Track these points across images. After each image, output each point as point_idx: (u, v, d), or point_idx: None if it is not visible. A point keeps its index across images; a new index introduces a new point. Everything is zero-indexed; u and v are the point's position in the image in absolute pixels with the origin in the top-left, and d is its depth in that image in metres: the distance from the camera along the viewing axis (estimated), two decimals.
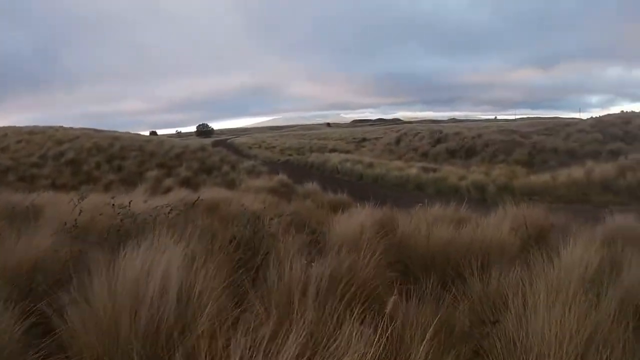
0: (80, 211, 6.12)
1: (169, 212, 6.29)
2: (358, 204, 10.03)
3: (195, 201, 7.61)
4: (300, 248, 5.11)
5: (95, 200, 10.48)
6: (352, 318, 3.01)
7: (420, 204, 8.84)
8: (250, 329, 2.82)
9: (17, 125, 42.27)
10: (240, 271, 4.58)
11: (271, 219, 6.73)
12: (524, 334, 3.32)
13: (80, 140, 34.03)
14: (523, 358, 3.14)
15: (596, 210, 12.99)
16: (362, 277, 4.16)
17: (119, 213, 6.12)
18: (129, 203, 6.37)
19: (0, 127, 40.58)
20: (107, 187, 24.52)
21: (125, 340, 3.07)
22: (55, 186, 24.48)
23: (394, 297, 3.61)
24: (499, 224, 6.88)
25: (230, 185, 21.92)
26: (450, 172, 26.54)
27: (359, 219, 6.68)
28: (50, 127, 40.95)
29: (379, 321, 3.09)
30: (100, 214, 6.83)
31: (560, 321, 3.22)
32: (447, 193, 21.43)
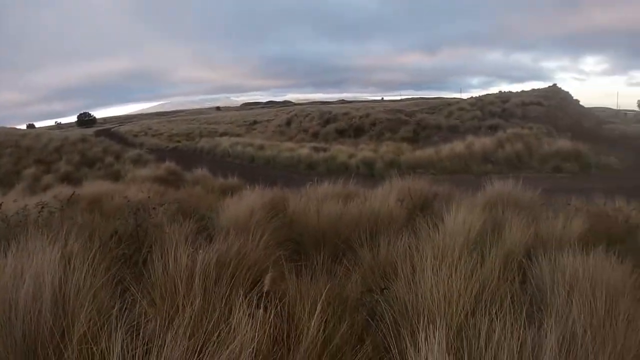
0: None
1: (40, 211, 5.89)
2: (249, 187, 9.90)
3: (71, 196, 7.15)
4: (187, 236, 4.92)
5: None
6: (241, 302, 2.90)
7: (311, 183, 8.83)
8: (134, 326, 2.64)
9: None
10: (124, 267, 4.39)
11: (154, 208, 6.49)
12: (413, 297, 3.38)
13: None
14: (415, 320, 3.15)
15: (477, 179, 13.60)
16: (251, 259, 4.05)
17: None
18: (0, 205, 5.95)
19: None
20: None
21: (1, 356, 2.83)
22: None
23: (270, 274, 3.55)
24: (386, 197, 7.03)
25: (115, 177, 21.02)
26: (340, 150, 26.99)
27: (248, 201, 6.55)
28: None
29: (268, 302, 3.02)
30: None
31: (448, 282, 3.31)
32: (337, 171, 21.66)
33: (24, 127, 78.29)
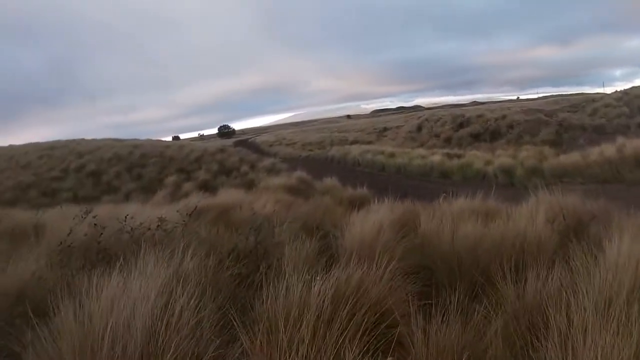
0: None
1: (157, 227, 5.76)
2: (378, 199, 9.41)
3: (193, 210, 7.00)
4: (307, 258, 4.53)
5: (104, 212, 10.12)
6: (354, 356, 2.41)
7: (444, 195, 8.17)
8: None
9: (39, 141, 42.45)
10: (237, 289, 4.17)
11: (281, 224, 6.20)
12: None
13: (101, 151, 34.12)
14: None
15: (630, 189, 12.08)
16: (373, 295, 3.50)
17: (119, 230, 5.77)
18: (126, 217, 6.03)
19: (22, 144, 40.88)
20: (127, 196, 24.55)
21: None
22: (76, 198, 24.59)
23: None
24: (532, 215, 6.04)
25: (249, 185, 21.39)
26: (476, 156, 25.14)
27: (376, 217, 6.00)
28: (72, 141, 41.18)
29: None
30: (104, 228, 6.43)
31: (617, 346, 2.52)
32: (473, 179, 20.56)
33: (170, 139, 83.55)
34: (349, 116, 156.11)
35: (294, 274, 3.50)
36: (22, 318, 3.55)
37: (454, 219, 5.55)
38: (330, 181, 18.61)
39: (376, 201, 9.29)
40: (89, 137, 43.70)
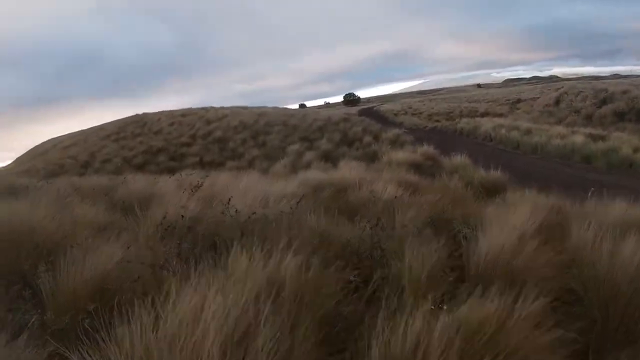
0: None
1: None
2: (514, 184, 8.37)
3: (300, 199, 6.39)
4: (432, 271, 3.75)
5: (221, 181, 9.88)
6: None
7: (593, 190, 6.95)
8: None
9: (171, 109, 44.23)
10: (343, 303, 3.53)
11: (402, 212, 5.47)
12: None
13: (228, 119, 35.15)
14: None
15: None
16: (512, 341, 2.64)
17: (222, 212, 5.39)
18: (229, 200, 5.56)
19: (155, 112, 42.84)
20: (250, 163, 24.97)
21: None
22: (202, 163, 25.42)
23: None
24: None
25: (372, 157, 20.71)
26: (622, 140, 21.64)
27: (516, 219, 5.01)
28: (202, 108, 42.76)
29: None
30: (210, 206, 6.09)
31: None
32: (618, 167, 18.04)
33: (296, 106, 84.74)
34: (479, 85, 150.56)
35: (411, 298, 2.81)
36: (91, 318, 3.15)
37: (612, 233, 4.39)
38: (459, 159, 17.04)
39: (512, 188, 8.25)
40: (217, 105, 45.00)
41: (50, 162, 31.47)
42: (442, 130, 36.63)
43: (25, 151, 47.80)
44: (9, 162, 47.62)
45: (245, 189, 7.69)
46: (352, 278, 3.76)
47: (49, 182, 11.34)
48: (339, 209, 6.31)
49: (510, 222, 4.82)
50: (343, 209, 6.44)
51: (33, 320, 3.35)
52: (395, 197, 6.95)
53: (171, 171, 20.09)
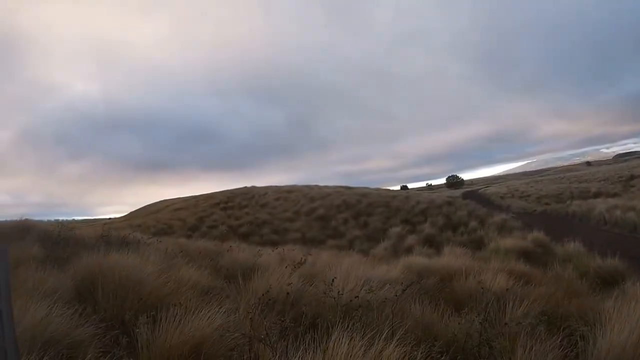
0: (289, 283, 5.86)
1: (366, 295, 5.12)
2: (636, 275, 7.79)
3: (407, 287, 6.25)
4: None
5: (323, 260, 9.93)
6: None
7: None
8: None
9: (278, 184, 45.65)
10: None
11: (513, 306, 5.21)
12: None
13: (331, 198, 35.63)
14: None
15: None
16: None
17: (324, 292, 5.34)
18: (333, 280, 5.60)
19: (262, 186, 44.30)
20: (351, 242, 24.97)
21: None
22: (304, 239, 25.60)
23: None
24: None
25: (478, 243, 19.96)
26: None
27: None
28: (307, 186, 43.78)
29: None
30: (311, 284, 6.10)
31: None
32: None
33: (398, 188, 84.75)
34: (588, 163, 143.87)
35: None
36: None
37: None
38: (572, 245, 15.91)
39: (632, 278, 7.68)
40: (321, 183, 45.94)
41: (161, 221, 33.06)
42: (552, 214, 34.69)
43: (138, 207, 50.68)
44: (122, 214, 51.97)
45: (347, 271, 7.63)
46: None
47: (158, 240, 11.91)
48: (445, 299, 6.12)
49: (632, 319, 4.42)
50: (448, 299, 6.25)
51: None
52: (507, 289, 6.62)
53: (274, 244, 20.55)
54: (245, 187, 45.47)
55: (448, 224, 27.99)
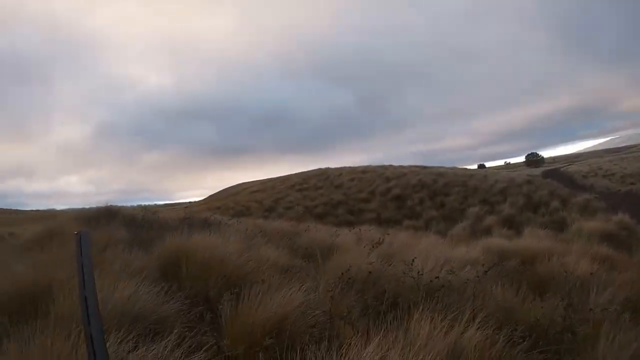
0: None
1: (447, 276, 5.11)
2: None
3: (489, 267, 6.16)
4: None
5: (400, 240, 9.94)
6: None
7: None
8: None
9: (352, 165, 45.53)
10: None
11: (597, 291, 5.11)
12: None
13: (406, 177, 35.20)
14: None
15: None
16: None
17: (404, 272, 5.37)
18: (413, 260, 5.64)
19: (337, 167, 44.32)
20: (427, 223, 24.79)
21: None
22: (379, 220, 25.56)
23: None
24: None
25: (560, 225, 19.35)
26: None
27: None
28: (381, 166, 43.25)
29: None
30: (389, 264, 6.16)
31: None
32: None
33: (475, 166, 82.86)
34: None
35: None
36: (265, 353, 3.44)
37: None
38: None
39: None
40: (396, 163, 45.43)
41: (239, 203, 33.83)
42: (638, 194, 33.17)
43: (216, 191, 52.14)
44: (201, 198, 54.20)
45: (426, 251, 7.64)
46: None
47: (238, 221, 12.24)
48: (527, 281, 6.03)
49: None
50: (530, 282, 6.15)
51: (210, 343, 3.61)
52: (591, 273, 6.47)
53: (349, 224, 20.60)
54: (320, 168, 45.47)
55: (528, 203, 27.20)
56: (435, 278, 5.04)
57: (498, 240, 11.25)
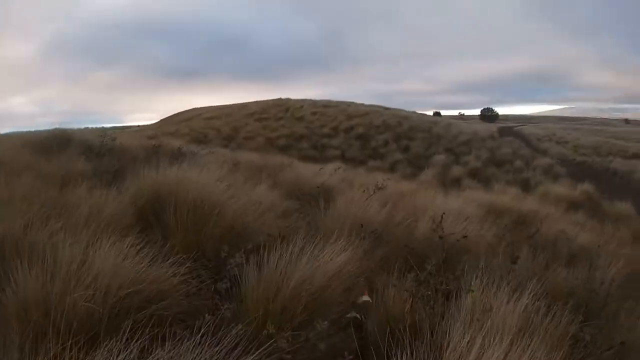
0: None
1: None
2: None
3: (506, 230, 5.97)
4: None
5: (397, 188, 9.46)
6: None
7: None
8: None
9: (313, 98, 44.88)
10: None
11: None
12: None
13: (369, 117, 35.12)
14: None
15: None
16: None
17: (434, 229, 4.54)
18: (442, 216, 4.68)
19: (297, 99, 43.66)
20: (393, 166, 24.89)
21: None
22: (344, 158, 25.33)
23: None
24: None
25: (524, 185, 19.57)
26: None
27: None
28: (343, 102, 42.99)
29: None
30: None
31: None
32: None
33: (430, 113, 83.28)
34: (627, 121, 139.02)
35: None
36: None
37: None
38: (622, 205, 15.37)
39: None
40: (356, 101, 45.15)
41: (195, 129, 32.98)
42: (592, 167, 33.83)
43: (168, 115, 50.31)
44: (152, 121, 51.18)
45: (423, 200, 7.29)
46: None
47: (211, 151, 11.40)
48: (530, 245, 5.84)
49: None
50: (534, 246, 5.99)
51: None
52: (598, 245, 6.39)
53: (313, 160, 20.25)
54: (280, 98, 44.52)
55: (492, 159, 27.70)
56: (463, 237, 4.43)
57: (480, 194, 11.21)
